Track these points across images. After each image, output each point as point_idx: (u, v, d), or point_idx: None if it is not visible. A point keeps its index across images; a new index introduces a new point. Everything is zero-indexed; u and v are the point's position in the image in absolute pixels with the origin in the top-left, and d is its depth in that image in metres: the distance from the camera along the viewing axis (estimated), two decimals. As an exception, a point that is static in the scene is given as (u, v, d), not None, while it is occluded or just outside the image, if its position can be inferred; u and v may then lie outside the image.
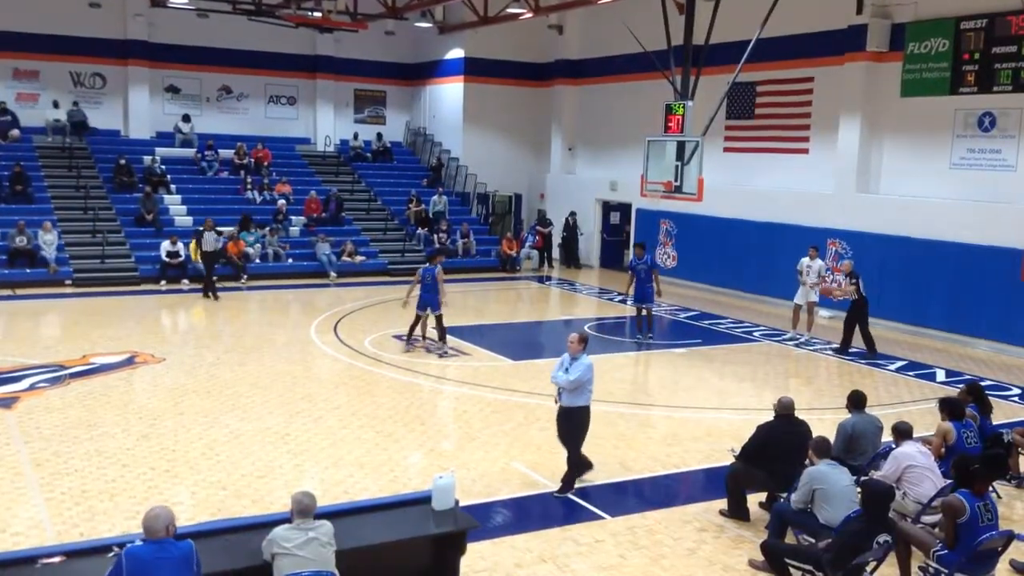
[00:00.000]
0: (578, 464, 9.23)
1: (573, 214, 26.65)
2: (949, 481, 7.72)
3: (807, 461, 7.68)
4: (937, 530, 7.31)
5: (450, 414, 12.10)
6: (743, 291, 21.48)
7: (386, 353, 14.89)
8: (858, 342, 16.00)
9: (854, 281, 15.66)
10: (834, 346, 16.37)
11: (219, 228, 21.89)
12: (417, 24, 28.43)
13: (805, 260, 17.04)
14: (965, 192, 17.43)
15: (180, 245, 21.24)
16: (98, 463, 9.42)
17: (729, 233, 21.77)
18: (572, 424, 9.01)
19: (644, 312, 16.59)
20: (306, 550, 5.81)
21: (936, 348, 16.78)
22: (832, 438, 8.31)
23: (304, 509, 5.97)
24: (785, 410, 8.53)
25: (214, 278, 20.07)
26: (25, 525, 7.90)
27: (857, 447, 8.67)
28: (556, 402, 9.07)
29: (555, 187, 28.43)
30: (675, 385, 13.65)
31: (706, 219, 22.09)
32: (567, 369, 8.84)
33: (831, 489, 7.21)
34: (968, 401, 9.51)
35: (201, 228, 20.50)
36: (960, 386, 11.59)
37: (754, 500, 8.69)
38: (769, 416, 8.71)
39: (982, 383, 11.93)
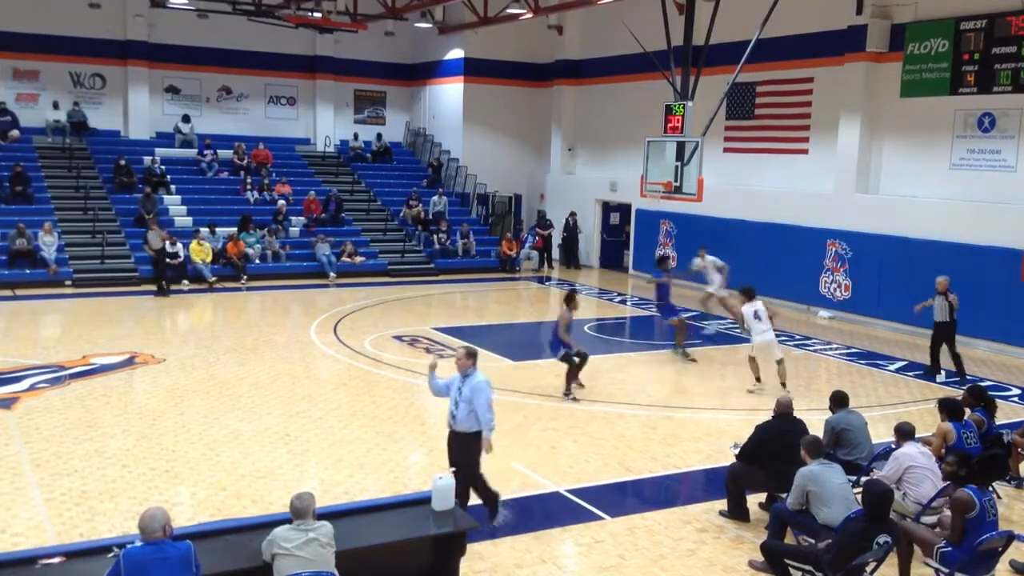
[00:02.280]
0: (491, 493, 8.23)
1: (573, 214, 26.66)
2: (949, 483, 7.73)
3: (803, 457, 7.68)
4: (938, 529, 7.31)
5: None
6: (743, 291, 21.46)
7: (386, 354, 14.87)
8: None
9: (949, 299, 14.22)
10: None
11: (216, 228, 21.91)
12: (417, 24, 28.44)
13: (697, 260, 17.49)
14: (965, 192, 17.43)
15: (180, 246, 21.24)
16: (98, 464, 9.42)
17: (729, 233, 21.75)
18: (474, 450, 8.08)
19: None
20: (306, 551, 5.82)
21: (936, 348, 16.76)
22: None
23: (303, 510, 5.97)
24: (783, 410, 8.55)
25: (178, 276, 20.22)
26: (25, 526, 7.90)
27: (847, 440, 8.73)
28: (449, 426, 8.17)
29: (555, 187, 28.44)
30: (675, 385, 13.65)
31: (706, 219, 22.08)
32: (460, 390, 7.97)
33: (824, 489, 7.22)
34: (975, 405, 9.50)
35: (147, 228, 20.54)
36: (961, 387, 11.61)
37: (754, 500, 8.69)
38: (769, 416, 8.72)
39: (982, 383, 11.95)
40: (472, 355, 8.10)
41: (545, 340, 17.57)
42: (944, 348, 14.49)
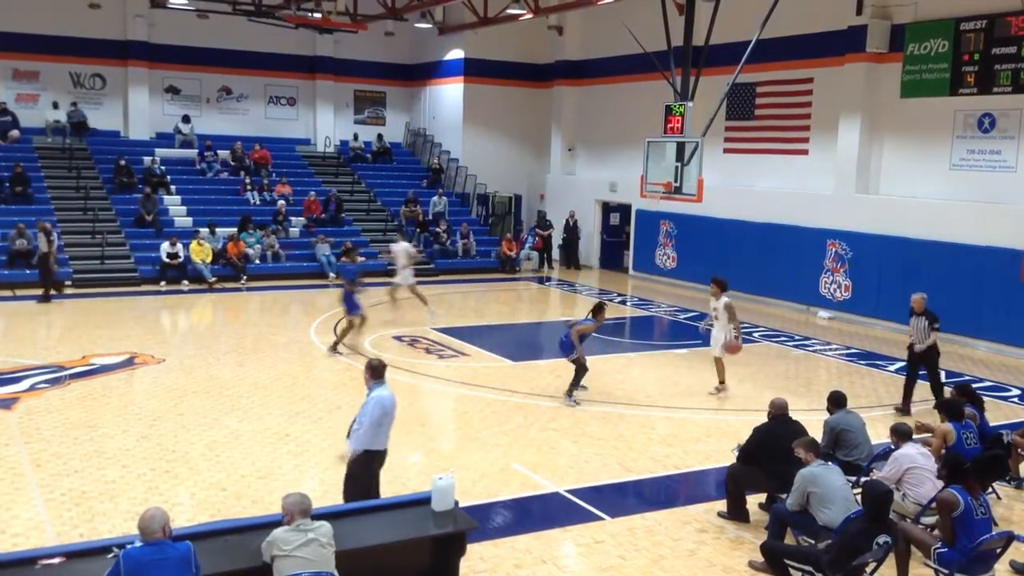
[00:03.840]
0: None
1: (573, 214, 26.65)
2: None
3: (802, 458, 7.67)
4: (936, 531, 7.32)
5: (450, 415, 12.11)
6: (742, 292, 21.42)
7: (386, 354, 14.85)
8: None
9: (935, 325, 12.38)
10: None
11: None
12: (417, 25, 28.44)
13: (393, 246, 18.32)
14: (965, 193, 17.43)
15: (180, 246, 21.25)
16: (98, 464, 9.42)
17: (729, 234, 21.77)
18: (366, 471, 7.58)
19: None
20: (306, 551, 5.82)
21: (936, 349, 16.76)
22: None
23: (303, 510, 5.98)
24: (779, 411, 8.55)
25: (59, 281, 19.24)
26: (25, 526, 7.90)
27: (846, 441, 8.73)
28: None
29: (555, 188, 28.44)
30: (675, 385, 13.65)
31: (706, 220, 22.09)
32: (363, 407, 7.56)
33: (825, 490, 7.22)
34: (963, 402, 9.52)
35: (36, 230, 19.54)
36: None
37: (754, 501, 8.69)
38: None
39: (982, 383, 11.94)
40: (371, 368, 7.60)
41: (545, 340, 17.61)
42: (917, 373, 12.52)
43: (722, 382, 13.14)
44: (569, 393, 12.38)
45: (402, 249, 18.06)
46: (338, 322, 15.72)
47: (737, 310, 13.22)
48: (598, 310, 12.53)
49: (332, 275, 22.78)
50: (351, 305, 14.94)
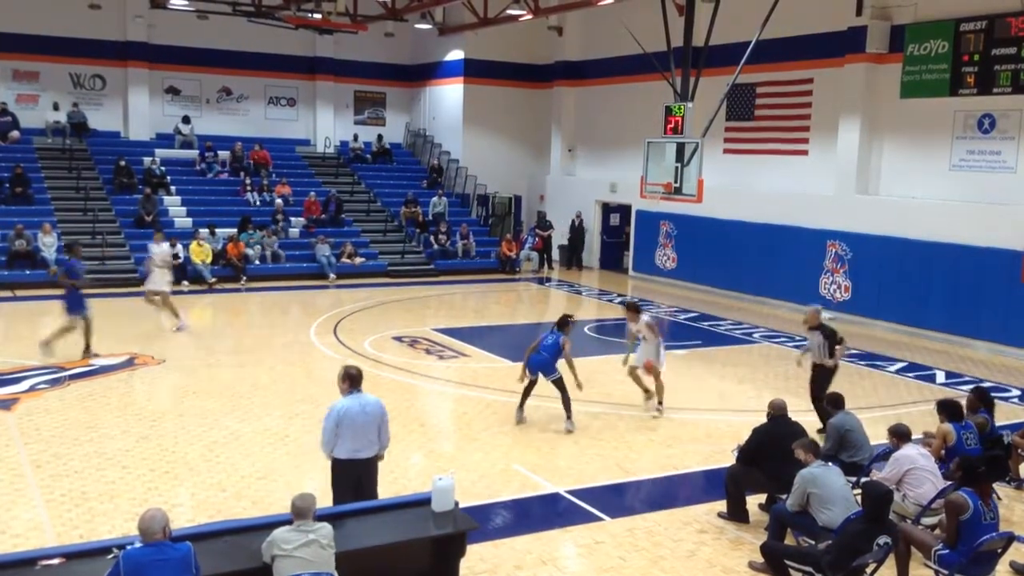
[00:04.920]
0: None
1: (579, 215, 26.64)
2: (950, 483, 7.76)
3: (802, 459, 7.67)
4: (938, 531, 7.32)
5: (450, 415, 12.10)
6: (742, 292, 21.48)
7: (386, 355, 14.88)
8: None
9: (839, 341, 11.52)
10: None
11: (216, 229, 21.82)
12: (417, 26, 28.44)
13: (152, 247, 16.81)
14: (965, 193, 17.44)
15: (180, 247, 21.22)
16: (98, 465, 9.42)
17: (729, 235, 21.77)
18: (339, 481, 7.45)
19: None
20: (306, 552, 5.83)
21: (936, 349, 16.77)
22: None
23: (303, 511, 5.98)
24: (778, 411, 8.55)
25: None
26: (25, 527, 7.90)
27: (850, 441, 8.73)
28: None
29: (555, 189, 28.44)
30: (675, 386, 13.62)
31: (706, 220, 22.08)
32: None
33: (825, 491, 7.22)
34: (979, 407, 9.50)
35: None
36: (961, 388, 11.59)
37: (754, 502, 8.69)
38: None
39: (981, 384, 11.94)
40: (347, 378, 7.39)
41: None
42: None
43: (646, 391, 12.11)
44: (569, 416, 11.23)
45: (160, 252, 16.78)
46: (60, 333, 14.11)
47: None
48: (563, 324, 11.33)
49: (332, 276, 22.71)
50: (74, 304, 13.89)
